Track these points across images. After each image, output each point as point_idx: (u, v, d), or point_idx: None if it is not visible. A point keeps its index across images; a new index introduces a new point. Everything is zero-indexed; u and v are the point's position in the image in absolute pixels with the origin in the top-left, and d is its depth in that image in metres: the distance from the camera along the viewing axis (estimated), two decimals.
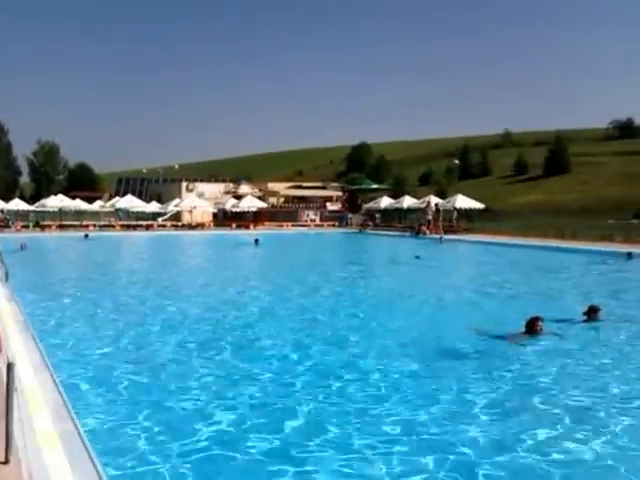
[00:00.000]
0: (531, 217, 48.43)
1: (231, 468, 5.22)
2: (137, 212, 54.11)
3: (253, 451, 5.49)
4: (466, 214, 47.10)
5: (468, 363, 8.58)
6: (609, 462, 5.27)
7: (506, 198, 73.15)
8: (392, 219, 53.23)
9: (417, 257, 25.26)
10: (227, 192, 65.51)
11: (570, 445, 5.62)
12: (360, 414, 6.40)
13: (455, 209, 44.28)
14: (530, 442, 5.67)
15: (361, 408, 6.59)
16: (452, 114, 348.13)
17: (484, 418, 6.34)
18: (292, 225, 53.46)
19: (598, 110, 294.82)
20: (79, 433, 5.09)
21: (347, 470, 5.09)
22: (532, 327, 9.52)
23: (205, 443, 5.64)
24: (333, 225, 55.36)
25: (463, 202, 45.86)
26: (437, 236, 37.15)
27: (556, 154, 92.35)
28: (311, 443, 5.63)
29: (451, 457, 5.32)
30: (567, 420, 6.29)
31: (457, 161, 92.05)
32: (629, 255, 23.25)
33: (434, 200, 46.79)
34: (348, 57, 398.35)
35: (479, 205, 47.08)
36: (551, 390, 7.32)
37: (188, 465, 5.16)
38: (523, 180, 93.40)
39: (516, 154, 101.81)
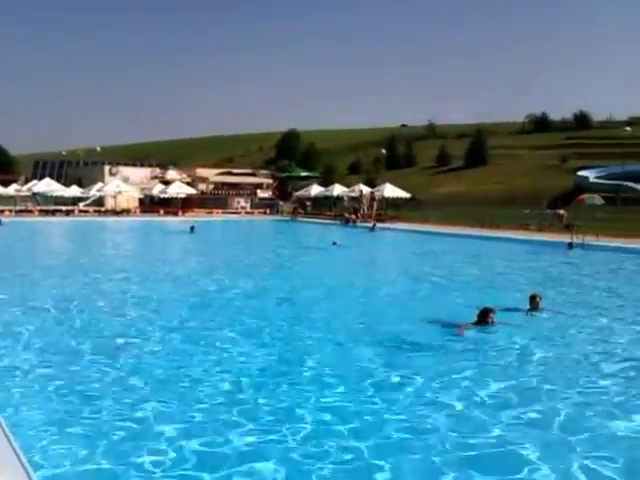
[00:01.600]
0: (457, 207, 50.59)
1: None
2: (56, 197, 52.52)
3: None
4: (393, 203, 48.90)
5: (417, 352, 8.70)
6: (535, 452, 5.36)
7: (430, 188, 75.69)
8: (322, 207, 54.35)
9: (334, 243, 26.35)
10: (154, 177, 64.86)
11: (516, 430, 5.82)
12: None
13: (383, 198, 45.92)
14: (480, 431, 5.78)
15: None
16: (379, 105, 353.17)
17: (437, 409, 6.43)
18: (222, 212, 53.73)
19: (516, 105, 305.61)
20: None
21: None
22: (483, 317, 9.69)
23: None
24: (264, 212, 56.08)
25: (391, 191, 47.63)
26: (369, 225, 38.31)
27: (476, 146, 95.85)
28: None
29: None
30: (518, 408, 6.48)
31: (384, 151, 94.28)
32: (570, 245, 24.34)
33: (364, 189, 48.34)
34: (279, 43, 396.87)
35: (405, 194, 48.95)
36: (500, 379, 7.44)
37: None
38: (446, 171, 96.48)
39: (439, 146, 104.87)
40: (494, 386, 7.18)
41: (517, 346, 9.06)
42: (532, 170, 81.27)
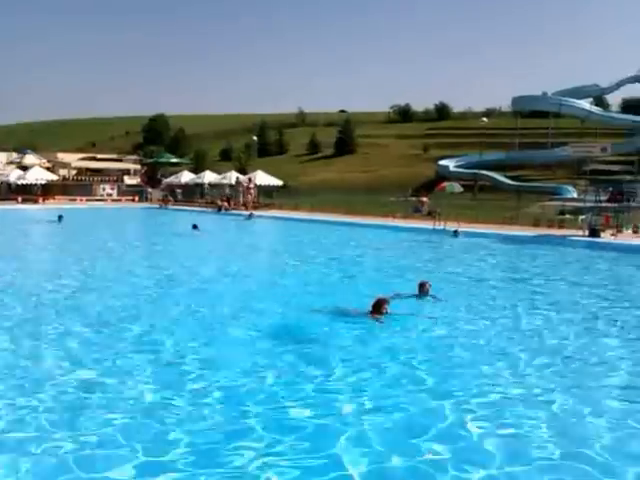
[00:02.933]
0: (328, 194, 51.59)
1: None
2: None
3: None
4: (266, 191, 49.10)
5: (321, 342, 8.67)
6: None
7: (302, 176, 76.67)
8: (194, 194, 53.45)
9: (195, 227, 26.15)
10: (10, 162, 60.99)
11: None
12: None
13: (255, 185, 45.96)
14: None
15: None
16: (248, 91, 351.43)
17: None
18: (87, 200, 51.38)
19: (381, 95, 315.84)
20: None
21: None
22: (378, 308, 9.78)
23: None
24: (132, 200, 54.21)
25: (263, 179, 47.78)
26: (245, 212, 38.22)
27: (345, 135, 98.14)
28: None
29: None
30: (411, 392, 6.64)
31: (255, 138, 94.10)
32: (455, 233, 24.86)
33: (236, 176, 48.11)
34: (144, 25, 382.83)
35: (277, 182, 49.32)
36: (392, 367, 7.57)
37: None
38: (316, 159, 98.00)
39: (309, 134, 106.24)
40: (387, 375, 7.31)
41: (409, 334, 9.21)
42: (397, 159, 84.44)
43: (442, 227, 27.43)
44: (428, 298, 11.45)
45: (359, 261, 18.62)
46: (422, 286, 11.61)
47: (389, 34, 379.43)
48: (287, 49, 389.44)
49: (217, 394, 6.47)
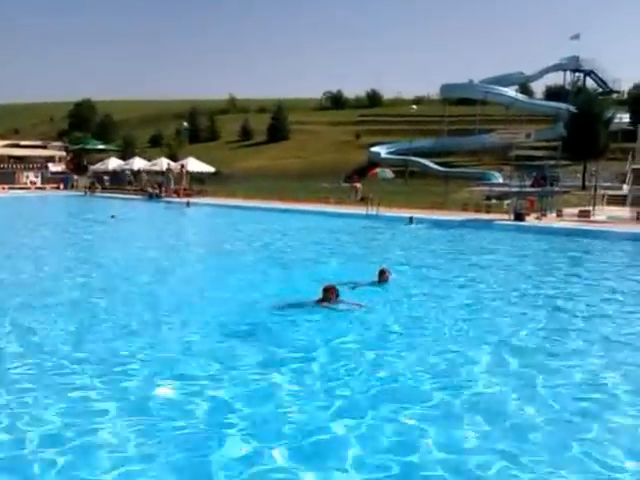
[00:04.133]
0: (261, 181, 51.39)
1: None
2: None
3: None
4: (197, 177, 48.51)
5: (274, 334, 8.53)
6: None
7: (234, 162, 76.01)
8: (122, 181, 52.31)
9: (112, 217, 25.79)
10: None
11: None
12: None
13: (188, 172, 45.38)
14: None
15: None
16: (178, 76, 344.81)
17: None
18: (9, 188, 49.67)
19: (314, 81, 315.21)
20: None
21: None
22: (327, 294, 9.64)
23: None
24: (57, 188, 52.72)
25: (194, 165, 47.19)
26: (182, 200, 37.71)
27: (278, 121, 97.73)
28: None
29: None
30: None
31: (186, 124, 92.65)
32: (410, 220, 24.92)
33: (167, 163, 47.34)
34: (67, 8, 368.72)
35: (210, 169, 48.81)
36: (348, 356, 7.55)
37: None
38: (249, 145, 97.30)
39: (242, 120, 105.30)
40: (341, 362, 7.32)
41: (363, 320, 9.17)
42: (330, 145, 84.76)
43: (375, 212, 27.90)
44: (387, 285, 11.37)
45: (312, 249, 18.44)
46: (382, 273, 11.52)
47: (321, 20, 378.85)
48: (218, 34, 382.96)
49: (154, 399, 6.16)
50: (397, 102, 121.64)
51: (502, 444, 5.09)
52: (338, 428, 5.45)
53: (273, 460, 4.87)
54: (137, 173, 51.10)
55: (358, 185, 37.65)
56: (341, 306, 9.63)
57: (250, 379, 6.75)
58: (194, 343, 8.16)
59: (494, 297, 11.13)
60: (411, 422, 5.60)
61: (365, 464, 4.77)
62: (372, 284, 11.37)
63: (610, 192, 36.18)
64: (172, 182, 43.71)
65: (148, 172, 49.69)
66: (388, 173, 34.45)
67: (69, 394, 6.09)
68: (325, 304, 9.59)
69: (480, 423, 5.56)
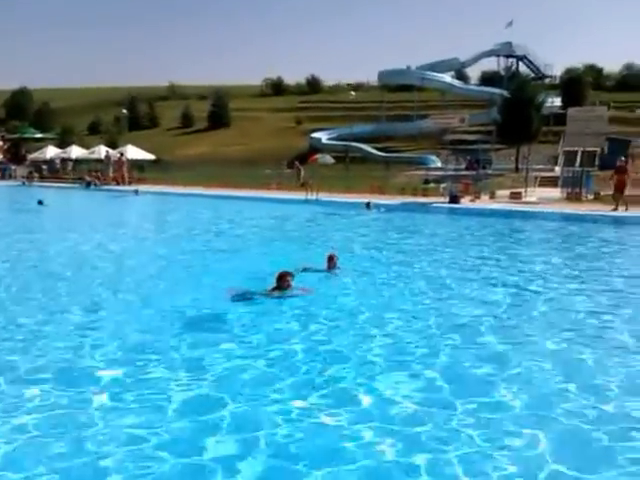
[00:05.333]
0: (203, 168, 51.19)
1: None
2: None
3: None
4: (137, 165, 48.07)
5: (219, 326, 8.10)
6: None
7: (175, 149, 75.33)
8: (60, 170, 51.27)
9: (40, 203, 25.43)
10: None
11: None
12: None
13: (127, 160, 44.93)
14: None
15: None
16: (117, 63, 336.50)
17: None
18: None
19: (254, 68, 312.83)
20: None
21: None
22: (281, 282, 9.32)
23: None
24: None
25: (134, 153, 46.73)
26: (122, 188, 37.26)
27: (219, 108, 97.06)
28: None
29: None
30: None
31: (125, 111, 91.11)
32: (367, 205, 24.63)
33: (105, 150, 46.73)
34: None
35: (150, 156, 48.43)
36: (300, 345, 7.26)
37: None
38: (190, 132, 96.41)
39: (182, 107, 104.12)
40: (298, 348, 7.12)
41: (315, 307, 8.95)
42: (271, 132, 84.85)
43: (315, 197, 28.45)
44: (336, 271, 11.19)
45: (264, 236, 18.02)
46: (330, 259, 11.34)
47: (259, 7, 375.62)
48: (156, 21, 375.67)
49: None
50: (337, 89, 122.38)
51: (432, 432, 5.12)
52: (276, 419, 5.27)
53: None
54: (64, 161, 50.20)
55: (300, 168, 38.06)
56: (294, 292, 9.32)
57: (195, 369, 6.42)
58: (135, 335, 7.73)
59: (427, 278, 11.51)
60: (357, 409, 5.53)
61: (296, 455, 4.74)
62: (321, 270, 11.19)
63: (542, 174, 37.71)
64: (111, 170, 43.22)
65: (88, 160, 48.92)
66: (328, 159, 35.03)
67: None
68: (278, 292, 9.24)
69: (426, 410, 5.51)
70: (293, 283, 9.39)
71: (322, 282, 10.61)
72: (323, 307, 8.98)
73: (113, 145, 55.91)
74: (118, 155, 44.07)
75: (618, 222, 20.86)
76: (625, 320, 8.51)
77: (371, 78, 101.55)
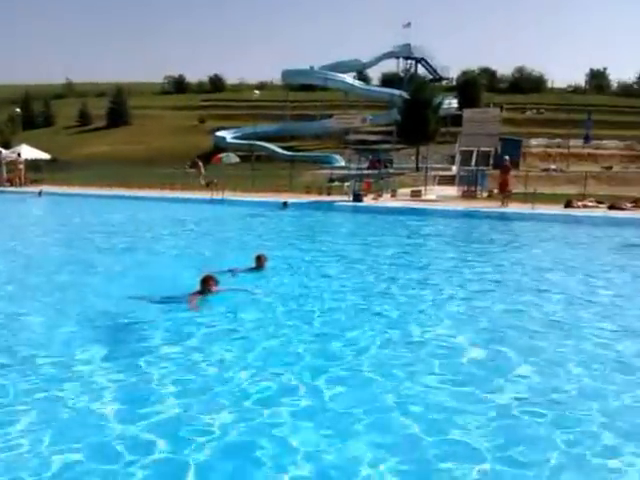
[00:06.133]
0: (104, 167, 49.63)
1: None
2: None
3: None
4: (32, 165, 46.02)
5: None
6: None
7: (73, 148, 72.72)
8: None
9: None
10: None
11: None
12: None
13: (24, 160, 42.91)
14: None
15: None
16: (11, 60, 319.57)
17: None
18: None
19: (155, 66, 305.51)
20: None
21: None
22: (205, 286, 9.02)
23: None
24: None
25: (29, 152, 44.71)
26: (21, 189, 35.59)
27: (118, 106, 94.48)
28: None
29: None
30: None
31: (19, 110, 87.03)
32: (284, 204, 24.45)
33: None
34: None
35: (45, 155, 46.48)
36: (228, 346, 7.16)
37: None
38: (88, 131, 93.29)
39: (79, 105, 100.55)
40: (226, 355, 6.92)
41: (242, 309, 8.74)
42: (174, 130, 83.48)
43: (220, 197, 28.33)
44: (265, 271, 10.96)
45: (180, 238, 17.45)
46: (259, 259, 11.02)
47: (161, 4, 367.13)
48: (53, 16, 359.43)
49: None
50: (241, 87, 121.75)
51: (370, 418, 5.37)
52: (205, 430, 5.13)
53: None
54: None
55: (200, 163, 37.68)
56: (220, 294, 9.07)
57: (109, 379, 6.15)
58: (49, 344, 7.34)
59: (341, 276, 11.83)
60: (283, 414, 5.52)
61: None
62: (249, 270, 10.90)
63: (441, 173, 39.21)
64: (4, 170, 41.25)
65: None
66: (233, 158, 34.96)
67: None
68: (202, 296, 8.90)
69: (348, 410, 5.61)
70: (218, 286, 9.07)
71: (250, 283, 10.22)
72: (250, 309, 8.78)
73: (7, 145, 53.28)
74: (14, 155, 42.10)
75: (503, 217, 22.29)
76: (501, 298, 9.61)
77: (275, 77, 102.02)
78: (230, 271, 10.66)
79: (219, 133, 69.90)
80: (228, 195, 28.56)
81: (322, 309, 8.93)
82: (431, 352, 7.03)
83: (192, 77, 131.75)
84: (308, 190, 31.50)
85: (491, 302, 9.43)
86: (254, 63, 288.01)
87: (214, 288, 9.01)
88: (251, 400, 5.66)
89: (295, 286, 10.47)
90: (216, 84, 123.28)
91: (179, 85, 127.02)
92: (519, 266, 12.70)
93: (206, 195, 29.23)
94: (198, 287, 8.98)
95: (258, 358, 6.76)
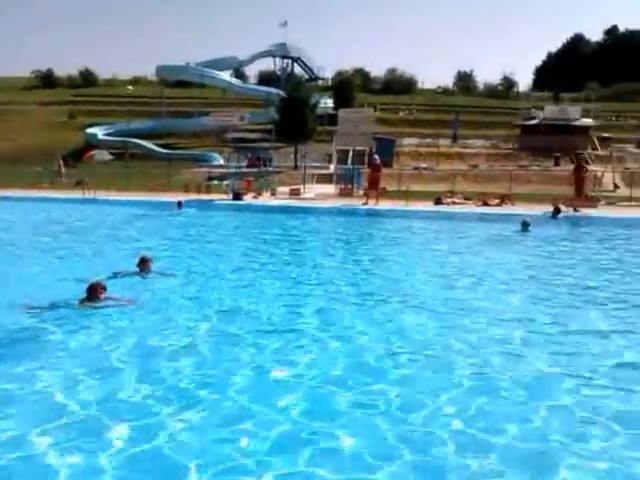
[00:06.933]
0: None
1: None
2: None
3: None
4: None
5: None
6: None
7: None
8: None
9: None
10: None
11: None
12: None
13: None
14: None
15: None
16: None
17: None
18: None
19: (20, 59, 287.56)
20: None
21: None
22: (92, 293, 8.64)
23: None
24: None
25: None
26: None
27: None
28: None
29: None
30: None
31: None
32: (179, 204, 23.43)
33: None
34: None
35: None
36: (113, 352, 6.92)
37: None
38: None
39: None
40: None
41: (129, 316, 8.40)
42: (42, 127, 79.15)
43: (92, 197, 27.28)
44: (152, 274, 10.52)
45: (57, 241, 15.98)
46: (143, 262, 10.62)
47: None
48: None
49: None
50: (113, 82, 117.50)
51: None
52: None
53: None
54: None
55: (61, 162, 36.08)
56: (108, 302, 8.66)
57: None
58: None
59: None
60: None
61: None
62: (135, 274, 10.53)
63: (319, 171, 39.84)
64: None
65: None
66: (106, 155, 33.73)
67: None
68: (89, 304, 8.53)
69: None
70: (105, 293, 8.72)
71: (135, 287, 9.96)
72: (136, 315, 8.46)
73: None
74: None
75: (378, 214, 23.11)
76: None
77: (149, 73, 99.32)
78: (113, 275, 10.33)
79: (90, 129, 66.95)
80: (101, 195, 27.48)
81: (207, 312, 8.82)
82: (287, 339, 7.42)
83: (61, 71, 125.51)
84: (186, 189, 30.98)
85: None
86: (126, 57, 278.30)
87: (101, 295, 8.66)
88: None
89: (182, 289, 10.25)
90: (87, 78, 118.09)
91: (47, 79, 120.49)
92: (382, 260, 13.62)
93: (77, 194, 27.95)
94: (85, 294, 8.61)
95: (138, 371, 6.45)
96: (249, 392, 5.90)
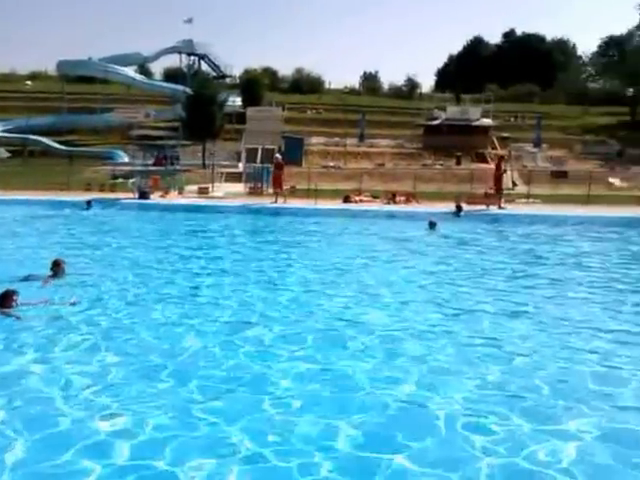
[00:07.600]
0: None
1: None
2: None
3: None
4: None
5: None
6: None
7: None
8: None
9: None
10: None
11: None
12: None
13: None
14: None
15: None
16: None
17: None
18: None
19: None
20: None
21: None
22: (6, 302, 8.43)
23: None
24: None
25: None
26: None
27: None
28: None
29: None
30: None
31: None
32: (88, 203, 22.69)
33: None
34: None
35: None
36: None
37: None
38: None
39: None
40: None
41: (43, 321, 8.25)
42: None
43: None
44: (66, 277, 10.37)
45: None
46: (57, 264, 10.39)
47: None
48: None
49: None
50: (11, 78, 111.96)
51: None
52: None
53: None
54: None
55: None
56: (25, 309, 8.50)
57: None
58: None
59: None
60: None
61: None
62: (49, 278, 10.27)
63: (228, 170, 39.59)
64: None
65: None
66: (3, 153, 32.20)
67: None
68: (5, 311, 8.34)
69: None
70: (20, 299, 8.54)
71: (47, 290, 9.71)
72: (52, 319, 8.28)
73: None
74: None
75: (278, 213, 23.38)
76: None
77: (49, 67, 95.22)
78: (24, 278, 10.12)
79: None
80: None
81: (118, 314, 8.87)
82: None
83: None
84: (88, 188, 29.99)
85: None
86: (24, 52, 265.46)
87: (14, 303, 8.47)
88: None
89: (100, 290, 10.17)
90: None
91: None
92: (284, 258, 14.16)
93: None
94: None
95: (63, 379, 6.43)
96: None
